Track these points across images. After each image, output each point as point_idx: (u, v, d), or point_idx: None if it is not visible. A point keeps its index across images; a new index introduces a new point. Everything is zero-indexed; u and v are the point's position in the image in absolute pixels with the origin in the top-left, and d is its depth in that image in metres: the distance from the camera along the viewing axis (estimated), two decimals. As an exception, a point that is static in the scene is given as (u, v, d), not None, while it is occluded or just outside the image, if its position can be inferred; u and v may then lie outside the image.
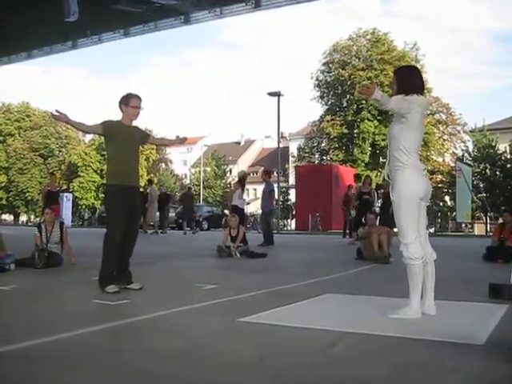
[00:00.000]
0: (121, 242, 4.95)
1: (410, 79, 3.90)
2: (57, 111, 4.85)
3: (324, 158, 40.74)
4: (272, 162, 44.73)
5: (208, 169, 54.35)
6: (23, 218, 56.09)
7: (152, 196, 18.21)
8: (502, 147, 34.22)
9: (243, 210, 11.94)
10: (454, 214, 22.79)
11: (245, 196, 12.36)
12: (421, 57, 38.63)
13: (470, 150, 35.46)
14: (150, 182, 19.88)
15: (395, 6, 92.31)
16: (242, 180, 12.01)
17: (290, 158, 48.37)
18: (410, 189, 3.74)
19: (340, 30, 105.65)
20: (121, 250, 5.03)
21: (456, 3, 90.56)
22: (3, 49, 17.47)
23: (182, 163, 66.63)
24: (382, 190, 12.54)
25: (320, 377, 2.49)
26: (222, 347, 3.01)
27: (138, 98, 5.13)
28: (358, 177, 16.33)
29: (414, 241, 3.75)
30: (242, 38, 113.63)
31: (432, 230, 30.42)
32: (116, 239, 4.93)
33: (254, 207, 38.55)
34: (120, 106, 5.13)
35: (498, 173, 33.59)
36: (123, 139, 5.02)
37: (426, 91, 37.30)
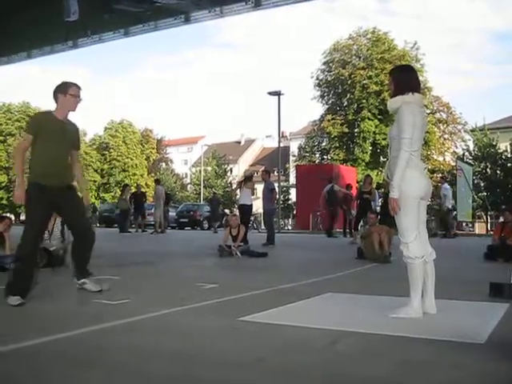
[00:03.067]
0: (32, 254, 4.48)
1: (405, 79, 3.93)
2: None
3: (325, 157, 40.64)
4: (272, 162, 44.73)
5: (209, 168, 54.35)
6: (24, 217, 56.05)
7: (157, 195, 19.06)
8: (502, 146, 34.14)
9: (251, 207, 12.11)
10: (455, 213, 22.87)
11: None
12: (421, 56, 38.59)
13: (471, 148, 35.40)
14: (157, 181, 21.31)
15: (393, 4, 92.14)
16: (248, 180, 12.06)
17: (291, 158, 48.33)
18: (411, 188, 3.74)
19: (340, 29, 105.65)
20: (76, 255, 4.80)
21: (454, 1, 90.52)
22: (3, 49, 17.45)
23: (183, 163, 66.79)
24: (383, 190, 12.59)
25: (321, 376, 2.49)
26: (222, 347, 3.01)
27: (78, 87, 4.66)
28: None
29: (414, 240, 3.75)
30: (242, 37, 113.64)
31: (432, 230, 30.33)
32: (26, 250, 4.45)
33: (254, 206, 38.42)
34: (55, 95, 4.60)
35: (498, 172, 33.52)
36: (53, 133, 4.51)
37: (426, 90, 36.96)
